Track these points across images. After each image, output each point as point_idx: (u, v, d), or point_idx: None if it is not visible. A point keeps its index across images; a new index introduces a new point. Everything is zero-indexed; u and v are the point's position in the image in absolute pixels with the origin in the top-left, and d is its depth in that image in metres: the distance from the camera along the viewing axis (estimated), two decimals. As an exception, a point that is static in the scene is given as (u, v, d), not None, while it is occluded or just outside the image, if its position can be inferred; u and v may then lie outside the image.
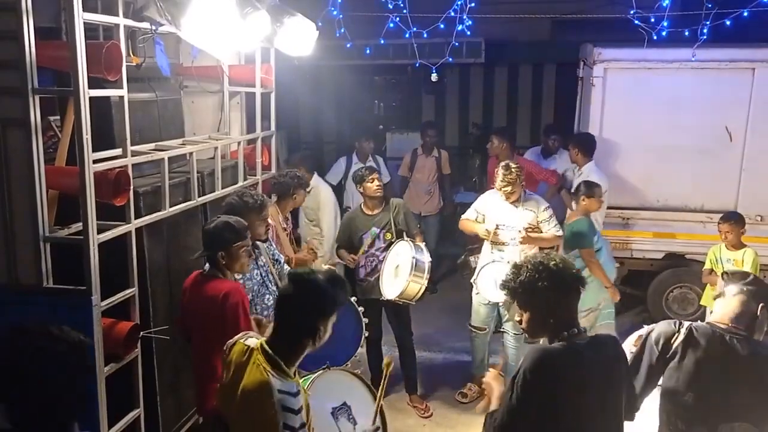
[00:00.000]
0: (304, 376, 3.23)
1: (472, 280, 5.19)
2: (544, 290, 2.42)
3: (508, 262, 4.93)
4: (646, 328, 2.91)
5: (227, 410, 2.47)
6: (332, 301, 2.41)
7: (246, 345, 2.46)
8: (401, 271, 4.82)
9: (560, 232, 5.13)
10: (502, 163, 5.02)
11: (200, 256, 3.44)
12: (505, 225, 5.02)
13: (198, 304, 3.34)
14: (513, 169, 4.90)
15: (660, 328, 2.74)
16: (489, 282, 4.97)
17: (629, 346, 2.95)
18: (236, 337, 2.56)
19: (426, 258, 4.80)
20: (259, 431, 2.32)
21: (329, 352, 3.63)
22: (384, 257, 5.00)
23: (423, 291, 4.82)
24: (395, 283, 4.84)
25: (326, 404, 3.10)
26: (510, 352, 5.18)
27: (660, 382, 2.76)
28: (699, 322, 2.75)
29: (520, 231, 4.94)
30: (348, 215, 5.32)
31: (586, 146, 6.30)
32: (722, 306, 2.75)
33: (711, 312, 5.19)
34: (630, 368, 2.66)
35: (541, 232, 5.03)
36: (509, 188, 4.92)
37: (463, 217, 5.39)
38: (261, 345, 2.41)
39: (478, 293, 5.15)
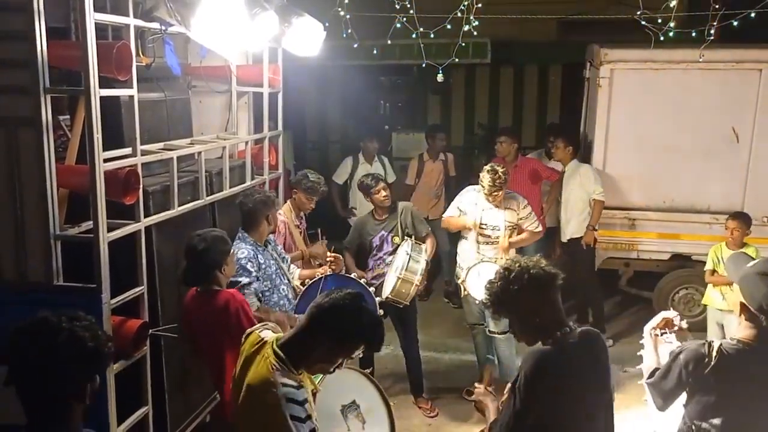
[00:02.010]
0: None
1: (460, 281, 5.19)
2: (517, 293, 2.43)
3: (496, 260, 4.98)
4: (673, 339, 2.91)
5: (236, 403, 2.48)
6: (365, 329, 2.35)
7: (260, 336, 2.46)
8: (395, 269, 4.81)
9: (539, 228, 5.25)
10: (488, 167, 5.02)
11: (209, 278, 3.44)
12: (487, 224, 5.06)
13: (205, 320, 3.39)
14: (501, 173, 4.92)
15: (690, 351, 2.64)
16: (477, 282, 4.98)
17: (648, 330, 2.95)
18: (253, 327, 2.57)
19: (422, 259, 4.78)
20: (264, 423, 2.32)
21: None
22: (390, 261, 5.01)
23: (416, 291, 4.78)
24: (389, 283, 4.84)
25: (336, 401, 3.14)
26: (502, 353, 5.19)
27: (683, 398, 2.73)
28: (727, 340, 2.66)
29: (503, 234, 4.99)
30: (359, 219, 5.35)
31: (576, 143, 6.51)
32: (751, 328, 2.63)
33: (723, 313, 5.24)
34: (659, 378, 2.66)
35: (521, 229, 5.13)
36: (500, 192, 4.93)
37: (445, 215, 5.42)
38: (274, 342, 2.40)
39: (467, 293, 5.11)
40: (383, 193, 5.06)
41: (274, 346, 2.37)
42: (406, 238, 4.97)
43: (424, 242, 5.05)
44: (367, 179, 5.17)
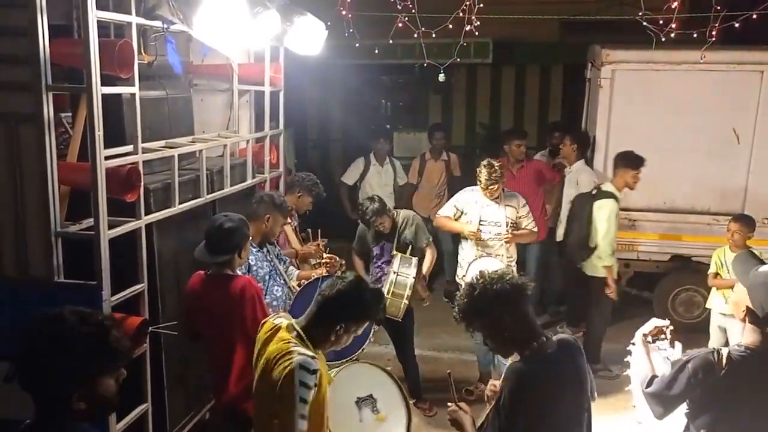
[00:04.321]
0: (332, 368, 3.32)
1: (461, 278, 5.20)
2: (483, 310, 2.43)
3: (497, 256, 5.00)
4: (678, 351, 2.91)
5: (254, 384, 2.66)
6: (366, 309, 2.66)
7: (274, 323, 2.66)
8: (384, 289, 4.77)
9: (536, 228, 5.33)
10: (484, 162, 5.08)
11: (227, 259, 3.47)
12: (488, 221, 5.11)
13: (215, 304, 3.39)
14: (497, 167, 5.01)
15: (699, 359, 2.60)
16: None
17: (640, 336, 2.95)
18: (268, 317, 2.79)
19: (410, 274, 4.76)
20: (277, 386, 2.45)
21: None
22: (388, 270, 5.00)
23: (405, 307, 4.77)
24: None
25: (352, 393, 3.19)
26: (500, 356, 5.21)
27: (686, 407, 2.71)
28: (734, 347, 2.64)
29: (505, 230, 5.04)
30: (362, 227, 5.34)
31: (585, 145, 6.48)
32: (757, 333, 2.61)
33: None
34: (663, 387, 2.65)
35: (519, 227, 5.18)
36: (495, 186, 4.99)
37: (439, 213, 5.44)
38: (290, 324, 2.62)
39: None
40: (380, 228, 5.02)
41: (291, 326, 2.60)
42: (395, 252, 4.94)
43: (424, 252, 5.06)
44: (372, 210, 4.92)
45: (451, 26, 4.76)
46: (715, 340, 5.37)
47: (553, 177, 6.63)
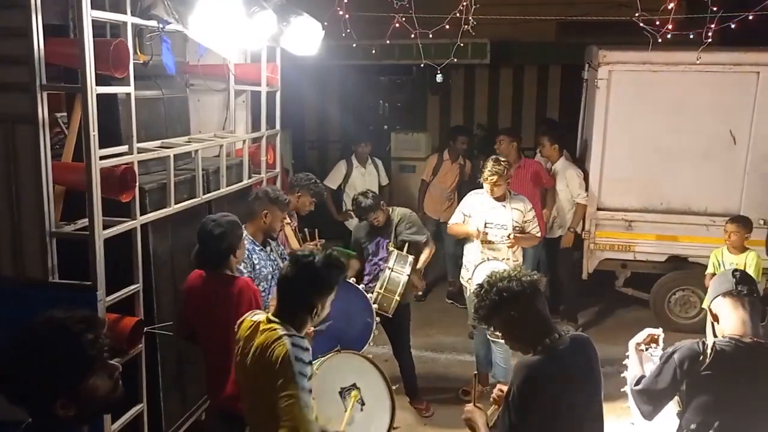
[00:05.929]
0: (315, 359, 3.32)
1: (466, 280, 5.19)
2: (495, 308, 2.46)
3: (503, 260, 4.99)
4: (661, 342, 2.93)
5: (242, 382, 2.67)
6: (325, 280, 2.64)
7: (253, 321, 2.67)
8: (378, 284, 4.79)
9: (539, 233, 5.30)
10: (492, 157, 5.10)
11: (223, 262, 3.46)
12: (494, 223, 5.07)
13: (213, 304, 3.37)
14: (502, 162, 5.01)
15: (685, 349, 2.66)
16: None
17: (633, 346, 2.95)
18: (244, 316, 2.77)
19: (404, 272, 4.75)
20: (274, 369, 2.47)
21: (341, 341, 3.75)
22: (384, 267, 5.00)
23: (397, 304, 4.74)
24: (372, 296, 4.77)
25: (335, 384, 3.18)
26: (497, 356, 5.20)
27: (677, 406, 2.73)
28: (720, 338, 2.67)
29: (509, 235, 4.99)
30: (358, 225, 5.32)
31: (562, 141, 6.59)
32: (733, 319, 2.70)
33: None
34: (650, 381, 2.67)
35: (525, 231, 5.14)
36: (495, 178, 4.95)
37: (450, 221, 5.44)
38: (267, 317, 2.63)
39: (473, 291, 5.11)
40: (375, 222, 5.02)
41: (269, 319, 2.61)
42: (392, 250, 4.93)
43: (422, 249, 5.05)
44: (365, 205, 4.95)
45: (448, 27, 4.76)
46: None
47: (549, 181, 6.60)
